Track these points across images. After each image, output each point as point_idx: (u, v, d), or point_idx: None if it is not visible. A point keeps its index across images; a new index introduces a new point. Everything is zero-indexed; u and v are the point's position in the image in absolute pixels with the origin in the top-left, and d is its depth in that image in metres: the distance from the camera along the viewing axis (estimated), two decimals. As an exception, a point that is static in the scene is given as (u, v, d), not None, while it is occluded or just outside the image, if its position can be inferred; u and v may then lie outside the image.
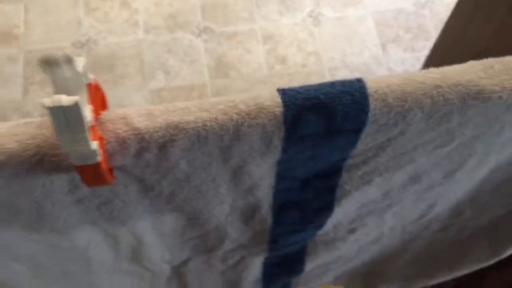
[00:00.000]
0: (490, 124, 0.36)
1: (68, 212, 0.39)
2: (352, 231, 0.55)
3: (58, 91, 0.25)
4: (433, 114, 0.33)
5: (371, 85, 0.32)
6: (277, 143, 0.34)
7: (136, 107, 0.32)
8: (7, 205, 0.35)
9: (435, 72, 0.33)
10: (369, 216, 0.51)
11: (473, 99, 0.33)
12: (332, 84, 0.32)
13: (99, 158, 0.28)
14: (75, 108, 0.24)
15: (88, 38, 1.50)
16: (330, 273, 0.74)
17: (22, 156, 0.30)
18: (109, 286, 0.59)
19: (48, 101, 0.23)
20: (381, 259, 0.70)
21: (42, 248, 0.44)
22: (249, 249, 0.54)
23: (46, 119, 0.31)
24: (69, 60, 0.23)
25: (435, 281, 0.71)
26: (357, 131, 0.34)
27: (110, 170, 0.33)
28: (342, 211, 0.47)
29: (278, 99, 0.32)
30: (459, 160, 0.41)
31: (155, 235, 0.48)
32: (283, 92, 0.32)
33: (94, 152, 0.27)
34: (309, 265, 0.65)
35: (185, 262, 0.58)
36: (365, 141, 0.36)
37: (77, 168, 0.29)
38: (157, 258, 0.54)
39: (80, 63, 0.25)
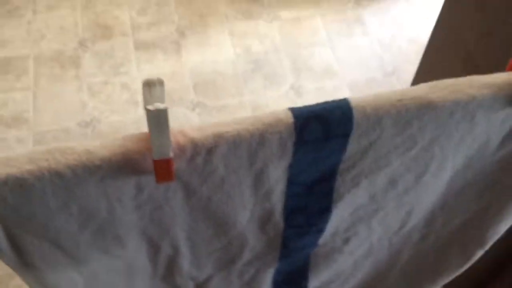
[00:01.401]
0: (441, 128, 0.50)
1: (129, 218, 0.50)
2: (346, 240, 0.66)
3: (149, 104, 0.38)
4: (399, 120, 0.47)
5: (353, 101, 0.46)
6: (290, 147, 0.47)
7: (187, 126, 0.45)
8: (91, 205, 0.46)
9: (398, 91, 0.47)
10: (360, 223, 0.63)
11: (425, 107, 0.47)
12: (326, 103, 0.46)
13: (172, 154, 0.41)
14: (165, 112, 0.36)
15: (92, 118, 1.65)
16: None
17: (112, 160, 0.42)
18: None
19: (151, 107, 0.36)
20: (374, 277, 0.81)
21: (101, 257, 0.54)
22: (264, 259, 0.65)
23: (127, 135, 0.44)
24: (161, 82, 0.37)
25: (423, 294, 0.81)
26: (346, 135, 0.47)
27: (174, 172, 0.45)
28: (338, 215, 0.59)
29: (289, 113, 0.45)
30: (424, 162, 0.54)
31: (188, 246, 0.59)
32: (292, 109, 0.45)
33: (170, 147, 0.40)
34: (313, 282, 0.75)
35: (207, 279, 0.68)
36: (352, 145, 0.49)
37: (155, 163, 0.41)
38: (186, 273, 0.64)
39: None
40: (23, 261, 0.51)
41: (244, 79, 1.74)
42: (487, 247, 0.69)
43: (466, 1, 0.90)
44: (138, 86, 1.72)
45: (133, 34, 1.85)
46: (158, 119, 0.37)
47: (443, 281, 0.77)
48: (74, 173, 0.42)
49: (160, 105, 0.36)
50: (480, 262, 0.73)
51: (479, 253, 0.71)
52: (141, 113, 1.66)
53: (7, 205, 0.43)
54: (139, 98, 1.69)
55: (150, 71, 1.75)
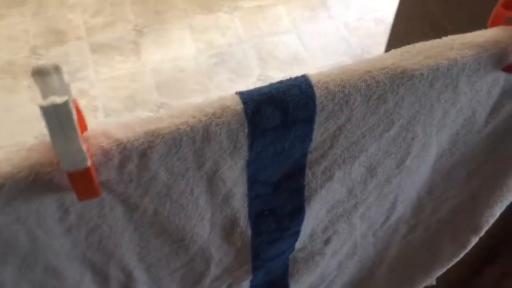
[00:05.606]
0: (421, 102, 0.42)
1: (60, 243, 0.41)
2: (327, 241, 0.58)
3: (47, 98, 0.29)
4: (370, 96, 0.39)
5: (314, 77, 0.38)
6: (243, 140, 0.38)
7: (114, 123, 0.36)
8: (4, 236, 0.37)
9: (365, 61, 0.39)
10: (339, 221, 0.55)
11: (399, 78, 0.39)
12: (281, 81, 0.38)
13: (89, 162, 0.32)
14: (66, 107, 0.28)
15: (49, 130, 1.54)
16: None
17: (16, 177, 0.33)
18: None
19: (43, 102, 0.27)
20: (361, 277, 0.73)
21: (35, 291, 0.45)
22: (234, 273, 0.56)
23: (36, 143, 0.35)
24: (57, 69, 0.28)
25: (416, 288, 0.74)
26: (310, 119, 0.39)
27: (98, 185, 0.36)
28: (314, 214, 0.51)
29: (237, 98, 0.37)
30: (405, 145, 0.46)
31: (143, 269, 0.50)
32: (241, 92, 0.37)
33: (83, 153, 0.31)
34: (294, 289, 0.67)
35: (174, 301, 0.59)
36: (319, 132, 0.40)
37: (69, 176, 0.32)
38: (147, 298, 0.56)
39: (64, 74, 0.29)
40: None
41: (208, 74, 1.65)
42: (482, 232, 0.62)
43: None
44: (96, 92, 1.62)
45: (88, 37, 1.74)
46: (56, 119, 0.28)
47: (436, 273, 0.69)
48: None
49: (57, 99, 0.27)
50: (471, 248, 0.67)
51: (474, 240, 0.64)
52: (102, 120, 1.56)
53: None
54: (99, 103, 1.59)
55: (109, 74, 1.65)
